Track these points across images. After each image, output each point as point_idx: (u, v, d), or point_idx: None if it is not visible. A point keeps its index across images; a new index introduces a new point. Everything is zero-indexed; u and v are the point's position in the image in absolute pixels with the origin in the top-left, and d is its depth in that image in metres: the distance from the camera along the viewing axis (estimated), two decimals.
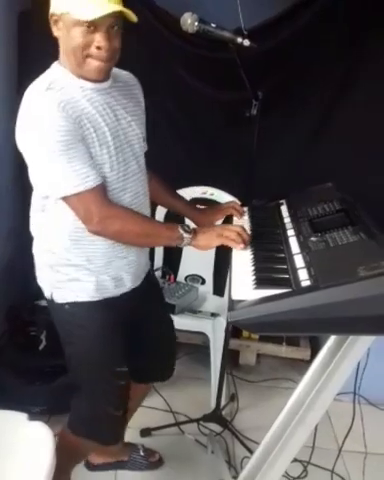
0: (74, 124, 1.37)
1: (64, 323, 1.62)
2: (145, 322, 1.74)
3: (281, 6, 2.33)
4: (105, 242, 1.52)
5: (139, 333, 1.73)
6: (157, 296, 1.89)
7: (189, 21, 1.61)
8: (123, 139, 1.50)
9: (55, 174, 1.39)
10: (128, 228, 1.48)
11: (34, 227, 1.59)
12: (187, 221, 1.86)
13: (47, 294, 1.60)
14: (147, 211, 1.63)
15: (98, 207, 1.42)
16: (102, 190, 1.44)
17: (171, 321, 1.90)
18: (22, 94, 2.50)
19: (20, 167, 2.43)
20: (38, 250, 1.61)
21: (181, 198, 1.86)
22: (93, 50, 1.38)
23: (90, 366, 1.62)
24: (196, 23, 1.61)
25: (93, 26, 1.35)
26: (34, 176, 1.46)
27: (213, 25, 1.64)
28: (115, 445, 1.81)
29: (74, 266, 1.54)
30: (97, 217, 1.43)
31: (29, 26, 2.36)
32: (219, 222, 1.83)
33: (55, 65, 1.47)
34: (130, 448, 2.14)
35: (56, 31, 1.41)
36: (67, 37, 1.38)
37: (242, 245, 1.46)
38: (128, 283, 1.61)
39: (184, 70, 2.47)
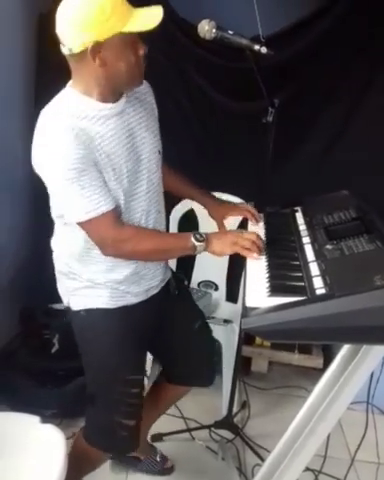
0: (86, 150, 1.37)
1: (80, 330, 1.63)
2: (169, 328, 1.75)
3: (298, 14, 2.34)
4: (120, 260, 1.53)
5: (164, 338, 1.75)
6: (183, 301, 1.84)
7: (206, 28, 1.61)
8: (137, 159, 1.51)
9: (68, 200, 1.41)
10: (140, 247, 1.49)
11: (54, 238, 1.63)
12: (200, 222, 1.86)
13: (65, 301, 1.63)
14: (161, 227, 1.64)
15: (110, 232, 1.43)
16: (115, 214, 1.44)
17: (203, 326, 1.87)
18: (40, 97, 2.53)
19: (34, 170, 2.48)
20: (56, 259, 1.63)
21: (196, 186, 1.84)
22: (143, 60, 1.42)
23: (104, 374, 1.62)
24: (214, 30, 1.61)
25: (137, 38, 1.39)
26: (51, 197, 1.49)
27: (230, 32, 1.64)
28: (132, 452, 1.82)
29: (93, 274, 1.55)
30: (110, 240, 1.44)
31: (49, 28, 2.38)
32: (234, 223, 1.82)
33: (69, 90, 1.46)
34: (149, 449, 2.15)
35: (94, 63, 1.36)
36: (119, 60, 1.38)
37: (255, 255, 1.46)
38: (144, 293, 1.62)
39: (200, 77, 2.48)
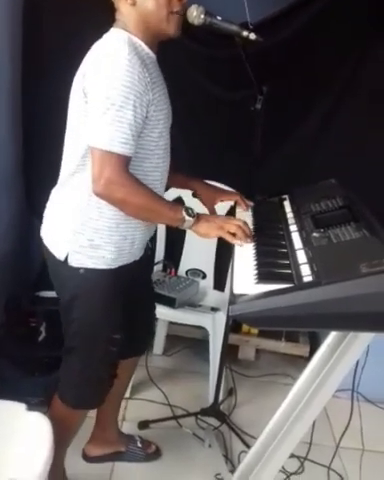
0: (146, 87, 1.39)
1: (73, 286, 1.61)
2: (139, 293, 1.76)
3: (287, 1, 2.32)
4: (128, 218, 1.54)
5: (133, 304, 1.75)
6: (151, 267, 1.98)
7: (195, 13, 1.58)
8: (167, 119, 1.55)
9: (102, 123, 1.38)
10: (132, 199, 1.45)
11: (61, 191, 1.59)
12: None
13: (60, 256, 1.57)
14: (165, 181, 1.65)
15: (111, 172, 1.40)
16: (126, 163, 1.42)
17: (154, 294, 2.05)
18: (27, 87, 2.47)
19: (22, 156, 2.45)
20: (63, 213, 1.58)
21: (185, 173, 1.84)
22: (175, 4, 1.46)
23: (90, 331, 1.64)
24: (202, 15, 1.58)
25: None
26: (81, 124, 1.46)
27: (219, 18, 1.62)
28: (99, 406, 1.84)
29: (100, 231, 1.53)
30: (104, 180, 1.40)
31: (35, 14, 2.34)
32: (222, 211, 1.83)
33: (120, 30, 1.46)
34: (127, 439, 2.15)
35: (126, 2, 1.44)
36: (145, 1, 1.43)
37: (239, 241, 1.46)
38: (138, 251, 1.64)
39: (189, 66, 2.45)
